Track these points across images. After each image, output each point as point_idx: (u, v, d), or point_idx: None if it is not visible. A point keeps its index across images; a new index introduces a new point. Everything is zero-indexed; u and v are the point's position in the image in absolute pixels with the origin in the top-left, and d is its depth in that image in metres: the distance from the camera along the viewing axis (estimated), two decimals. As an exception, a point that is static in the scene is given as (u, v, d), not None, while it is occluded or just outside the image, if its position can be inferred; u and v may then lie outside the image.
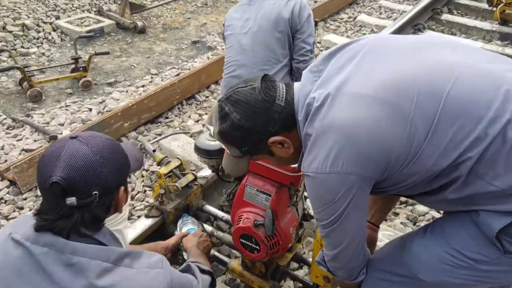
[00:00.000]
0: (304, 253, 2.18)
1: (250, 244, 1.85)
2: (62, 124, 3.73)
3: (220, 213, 2.38)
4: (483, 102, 1.11)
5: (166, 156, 2.29)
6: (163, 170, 2.23)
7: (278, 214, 1.81)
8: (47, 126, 3.73)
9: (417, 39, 1.34)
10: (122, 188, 1.25)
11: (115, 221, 1.27)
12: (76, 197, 1.12)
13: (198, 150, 1.88)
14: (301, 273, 2.33)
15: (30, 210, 2.62)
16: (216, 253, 2.20)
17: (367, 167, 1.16)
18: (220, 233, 2.31)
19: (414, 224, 2.61)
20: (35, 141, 3.31)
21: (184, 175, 2.28)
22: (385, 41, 1.32)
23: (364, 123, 1.14)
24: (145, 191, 2.79)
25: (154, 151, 2.28)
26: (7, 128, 3.80)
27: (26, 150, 3.14)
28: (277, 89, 1.31)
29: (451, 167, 1.15)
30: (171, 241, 1.93)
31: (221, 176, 1.96)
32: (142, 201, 2.73)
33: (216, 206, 2.52)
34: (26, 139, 3.35)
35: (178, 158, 2.30)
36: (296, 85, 1.34)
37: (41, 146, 3.03)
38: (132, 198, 2.76)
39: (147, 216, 2.22)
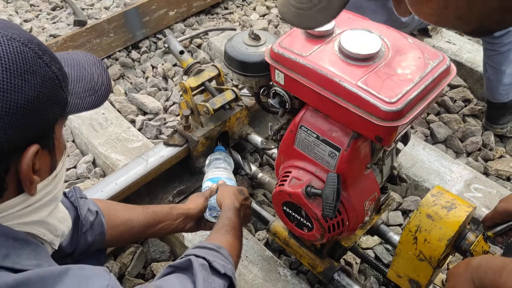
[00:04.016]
0: (383, 222, 1.47)
1: (298, 217, 1.17)
2: (107, 8, 3.12)
3: (271, 147, 1.70)
4: None
5: (198, 62, 1.58)
6: (191, 82, 1.54)
7: (348, 181, 1.09)
8: (91, 8, 3.14)
9: None
10: (34, 148, 0.61)
11: (23, 207, 0.65)
12: None
13: (229, 60, 1.14)
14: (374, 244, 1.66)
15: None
16: (256, 206, 1.57)
17: None
18: (265, 177, 1.65)
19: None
20: (68, 25, 2.74)
21: (221, 91, 1.59)
22: None
23: None
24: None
25: (181, 52, 1.57)
26: (52, 9, 3.28)
27: (54, 36, 2.59)
28: None
29: None
30: (196, 207, 1.26)
31: (265, 104, 1.23)
32: (177, 115, 2.10)
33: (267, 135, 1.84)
34: (60, 22, 2.80)
35: (215, 65, 1.59)
36: None
37: (70, 30, 2.46)
38: (166, 111, 2.14)
39: (166, 144, 1.60)
